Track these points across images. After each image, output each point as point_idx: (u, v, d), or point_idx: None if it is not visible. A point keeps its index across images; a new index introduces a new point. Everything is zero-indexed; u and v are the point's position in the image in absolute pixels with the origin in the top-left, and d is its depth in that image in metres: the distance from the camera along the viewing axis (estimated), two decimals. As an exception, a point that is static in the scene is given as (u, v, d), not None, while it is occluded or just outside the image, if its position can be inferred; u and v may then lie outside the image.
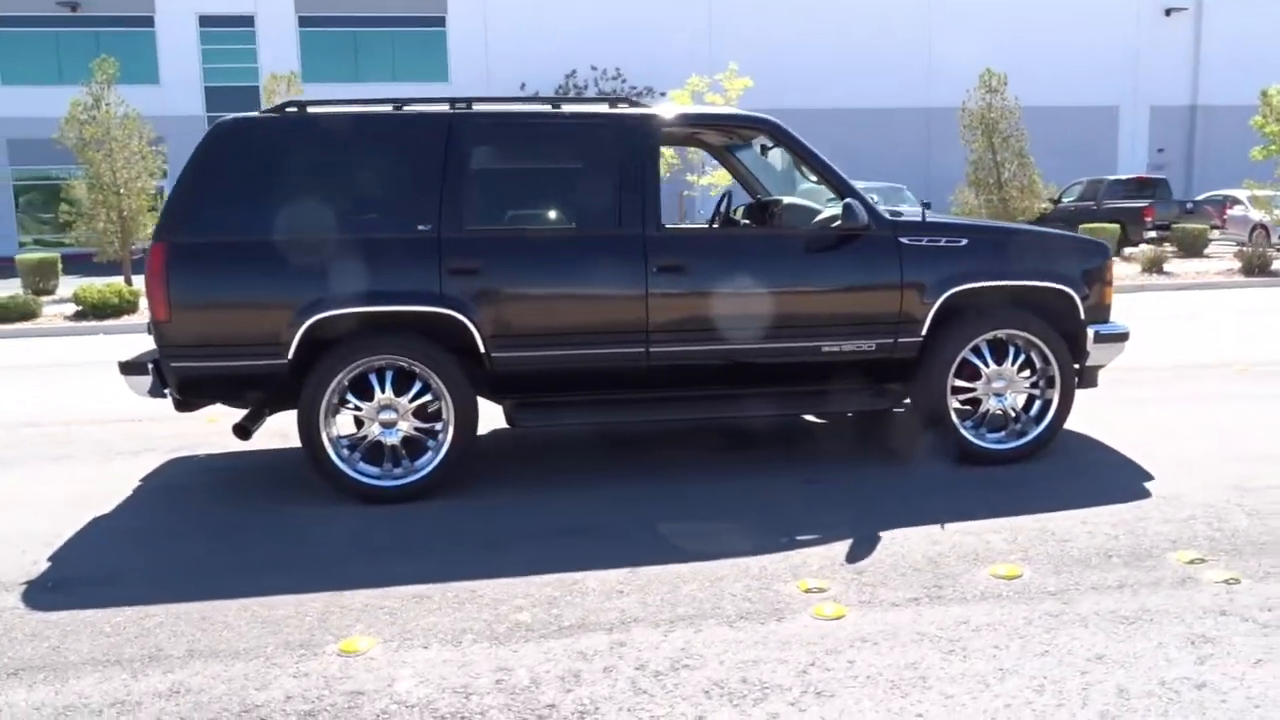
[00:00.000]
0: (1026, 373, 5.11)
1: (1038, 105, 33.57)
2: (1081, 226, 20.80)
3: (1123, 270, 17.68)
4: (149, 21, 37.58)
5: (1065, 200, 25.00)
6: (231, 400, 4.85)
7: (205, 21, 37.92)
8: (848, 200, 4.76)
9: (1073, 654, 3.05)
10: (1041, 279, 5.02)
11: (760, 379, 4.99)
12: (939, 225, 5.01)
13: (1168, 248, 20.62)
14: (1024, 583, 3.62)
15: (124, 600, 3.66)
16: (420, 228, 4.59)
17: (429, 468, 4.71)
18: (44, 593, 3.78)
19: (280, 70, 38.24)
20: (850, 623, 3.33)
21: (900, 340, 4.92)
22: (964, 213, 21.11)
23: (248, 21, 38.25)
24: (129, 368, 4.64)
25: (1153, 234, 22.29)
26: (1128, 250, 21.21)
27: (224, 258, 4.54)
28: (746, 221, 6.00)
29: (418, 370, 4.64)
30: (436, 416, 4.70)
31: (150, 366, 4.57)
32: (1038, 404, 5.14)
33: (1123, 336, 5.19)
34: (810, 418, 6.16)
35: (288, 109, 4.74)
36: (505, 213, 4.78)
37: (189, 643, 3.31)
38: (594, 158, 4.79)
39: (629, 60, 36.19)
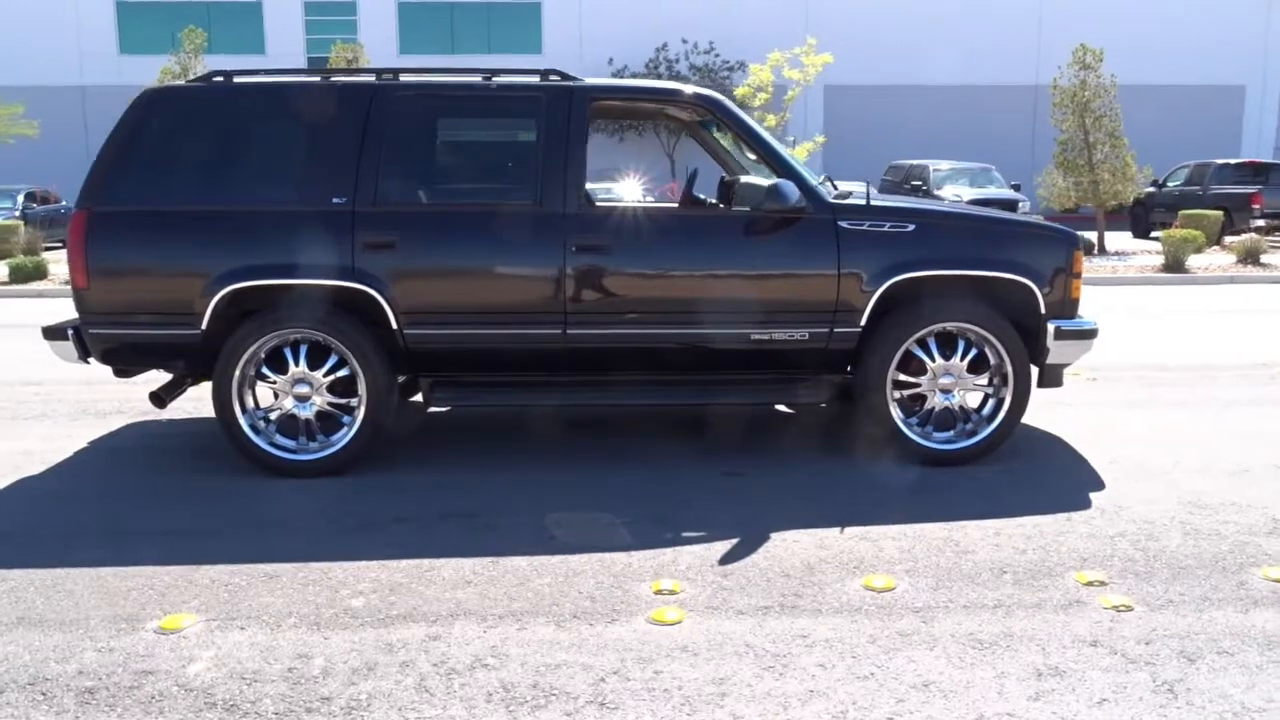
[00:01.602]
0: (980, 369, 4.76)
1: (1155, 84, 31.88)
2: (1182, 213, 19.65)
3: (1217, 260, 16.63)
4: (258, -6, 38.78)
5: (1170, 184, 23.61)
6: (156, 367, 4.89)
7: (310, -5, 38.94)
8: (775, 181, 4.49)
9: (899, 679, 2.81)
10: (996, 269, 4.67)
11: (684, 365, 4.78)
12: (885, 209, 4.69)
13: (1269, 239, 19.25)
14: (893, 596, 3.36)
15: (-5, 563, 3.72)
16: (335, 200, 4.52)
17: (342, 443, 4.66)
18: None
19: (381, 44, 39.11)
20: (683, 630, 3.13)
21: (836, 330, 4.64)
22: (1051, 197, 20.17)
23: (350, -6, 39.13)
24: (51, 333, 4.71)
25: (1260, 222, 20.85)
26: (1228, 239, 19.89)
27: (141, 227, 4.55)
28: (712, 200, 5.75)
29: (333, 345, 4.59)
30: (352, 392, 4.64)
31: (70, 332, 4.63)
32: (991, 402, 4.79)
33: (1088, 333, 4.79)
34: (782, 408, 5.90)
35: (214, 78, 4.72)
36: (423, 187, 4.66)
37: (25, 610, 3.32)
38: (516, 131, 4.65)
39: (723, 34, 35.63)
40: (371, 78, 4.73)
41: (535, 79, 4.75)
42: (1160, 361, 7.53)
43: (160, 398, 4.80)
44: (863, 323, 4.63)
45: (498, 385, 4.80)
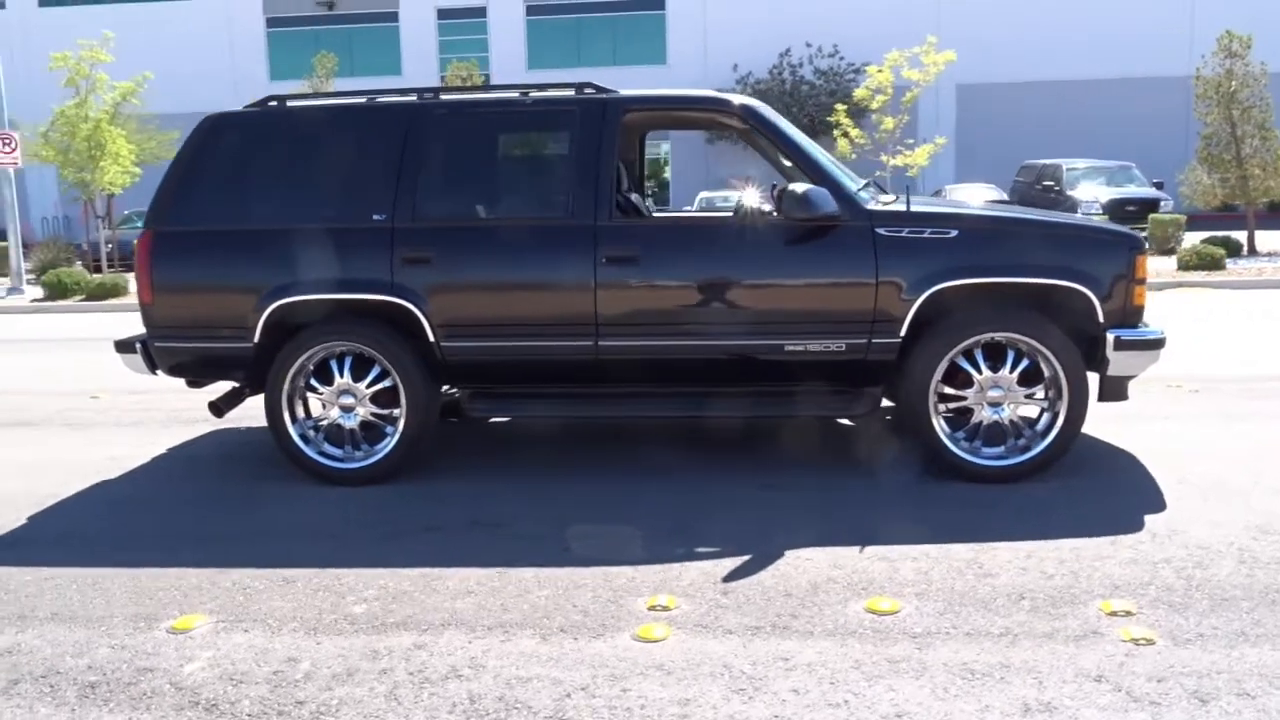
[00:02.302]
0: (1034, 382, 4.51)
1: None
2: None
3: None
4: (394, 17, 40.41)
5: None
6: (216, 379, 5.14)
7: (443, 14, 40.32)
8: (806, 188, 4.36)
9: (872, 709, 2.68)
10: (1047, 276, 4.41)
11: (716, 378, 4.70)
12: (925, 215, 4.50)
13: None
14: (894, 620, 3.21)
15: (49, 561, 3.97)
16: (375, 217, 4.65)
17: (383, 452, 4.79)
18: (-6, 549, 4.17)
19: (510, 59, 40.09)
20: (666, 647, 3.08)
21: (875, 341, 4.47)
22: (1195, 195, 18.98)
23: (480, 13, 40.33)
24: (122, 346, 5.01)
25: None
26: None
27: (200, 246, 4.80)
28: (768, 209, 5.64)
29: (375, 357, 4.72)
30: (395, 403, 4.77)
31: (139, 346, 4.91)
32: (1045, 416, 4.53)
33: (1155, 343, 4.47)
34: (844, 420, 5.73)
35: (269, 103, 4.93)
36: (459, 203, 4.74)
37: (60, 606, 3.55)
38: (548, 145, 4.68)
39: (848, 36, 34.99)
40: (414, 98, 4.84)
41: (571, 93, 4.77)
42: (1245, 372, 6.99)
43: (219, 407, 5.05)
44: (902, 333, 4.45)
45: (533, 396, 4.84)
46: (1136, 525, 3.96)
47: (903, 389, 4.52)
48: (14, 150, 18.01)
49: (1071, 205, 20.76)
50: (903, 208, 4.52)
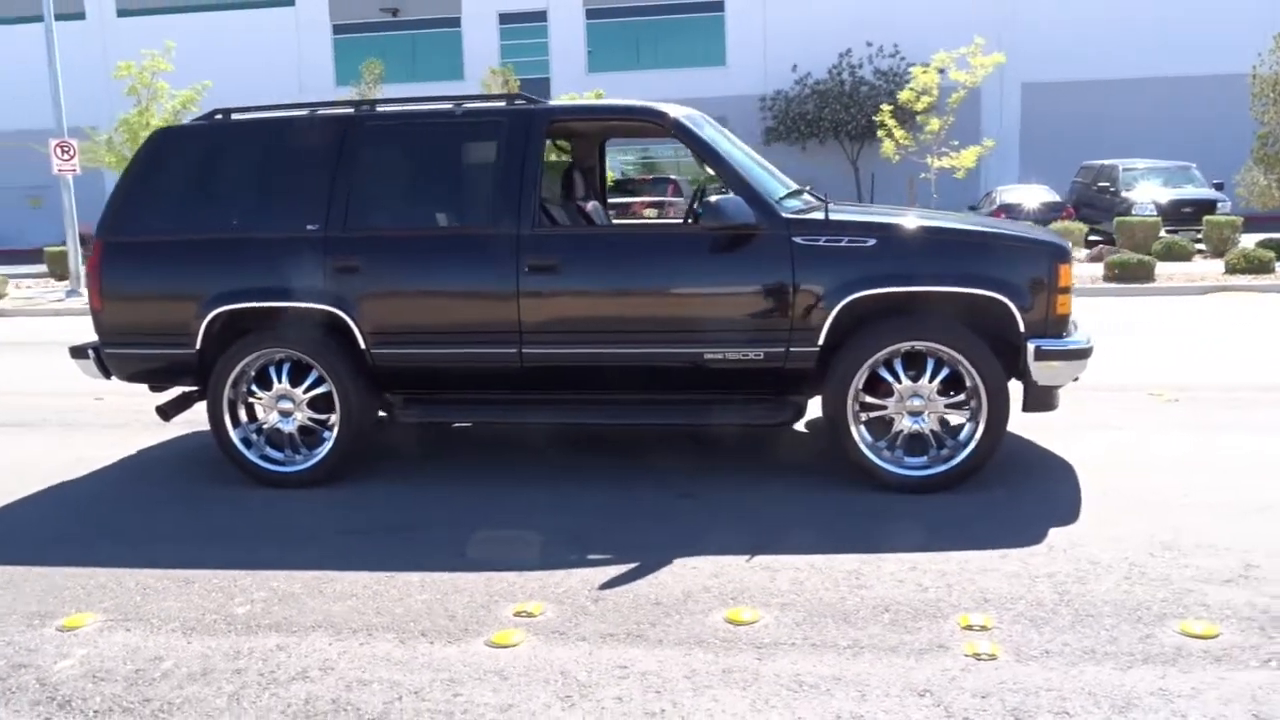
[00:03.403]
0: (956, 391, 4.45)
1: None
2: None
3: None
4: (456, 22, 41.05)
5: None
6: (164, 383, 5.31)
7: (504, 19, 40.82)
8: (716, 198, 4.38)
9: (685, 719, 2.70)
10: (964, 284, 4.34)
11: (639, 385, 4.72)
12: (842, 223, 4.47)
13: None
14: (749, 630, 3.21)
15: (-21, 559, 4.16)
16: (309, 227, 4.78)
17: (319, 456, 4.91)
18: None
19: (570, 62, 40.33)
20: (514, 653, 3.12)
21: (793, 350, 4.46)
22: (1251, 196, 18.36)
23: (541, 17, 40.72)
24: (76, 352, 5.22)
25: None
26: None
27: (146, 255, 4.98)
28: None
29: (311, 364, 4.85)
30: (331, 407, 4.89)
31: (91, 352, 5.12)
32: (968, 426, 4.46)
33: (1078, 353, 4.37)
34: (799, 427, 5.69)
35: (216, 115, 5.10)
36: (387, 212, 4.84)
37: (-30, 602, 3.72)
38: (474, 156, 4.75)
39: (910, 35, 34.48)
40: (350, 110, 4.97)
41: (503, 104, 4.85)
42: (1238, 380, 6.78)
43: (165, 411, 5.23)
44: (820, 342, 4.43)
45: (463, 403, 4.92)
46: (1038, 538, 3.89)
47: (823, 398, 4.50)
48: (72, 158, 18.74)
49: (1126, 207, 20.22)
50: (821, 216, 4.50)
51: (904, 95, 22.13)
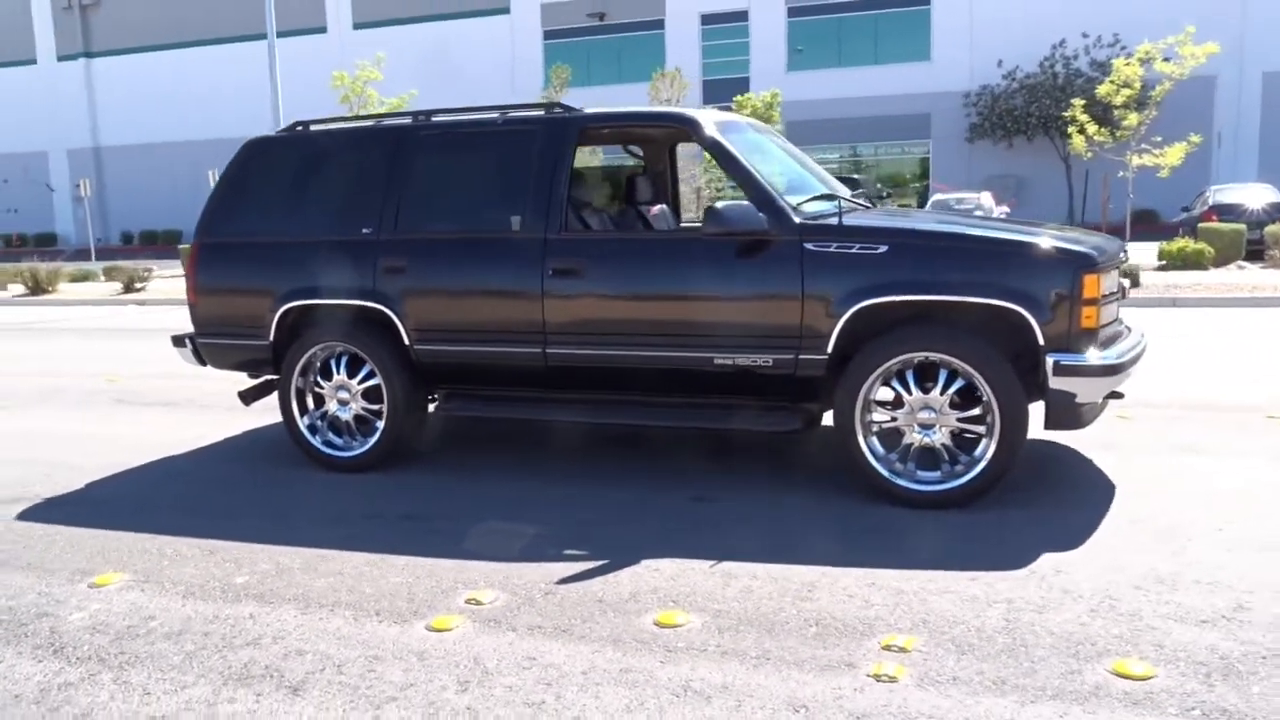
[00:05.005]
0: (972, 404, 4.25)
1: None
2: None
3: None
4: (660, 24, 41.85)
5: None
6: (248, 371, 5.83)
7: (706, 19, 41.24)
8: (719, 204, 4.38)
9: (559, 714, 2.78)
10: (978, 294, 4.14)
11: (654, 388, 4.78)
12: (855, 229, 4.36)
13: None
14: (671, 634, 3.24)
15: (62, 520, 4.73)
16: (364, 230, 5.14)
17: (370, 444, 5.27)
18: (33, 506, 5.02)
19: (770, 60, 40.13)
20: (441, 638, 3.29)
21: (803, 357, 4.40)
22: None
23: (742, 16, 40.86)
24: (176, 341, 5.82)
25: None
26: None
27: (232, 255, 5.51)
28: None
29: (363, 357, 5.21)
30: (382, 399, 5.24)
31: (187, 341, 5.70)
32: (983, 441, 4.26)
33: (1105, 370, 4.08)
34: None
35: (296, 127, 5.56)
36: (431, 216, 5.12)
37: (35, 557, 4.26)
38: (511, 162, 4.95)
39: (1131, 23, 32.22)
40: (408, 120, 5.29)
41: (540, 113, 5.04)
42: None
43: (246, 397, 5.75)
44: (829, 350, 4.35)
45: (498, 399, 5.14)
46: (1025, 562, 3.69)
47: (834, 408, 4.42)
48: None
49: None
50: (835, 221, 4.41)
51: (1102, 89, 20.75)
